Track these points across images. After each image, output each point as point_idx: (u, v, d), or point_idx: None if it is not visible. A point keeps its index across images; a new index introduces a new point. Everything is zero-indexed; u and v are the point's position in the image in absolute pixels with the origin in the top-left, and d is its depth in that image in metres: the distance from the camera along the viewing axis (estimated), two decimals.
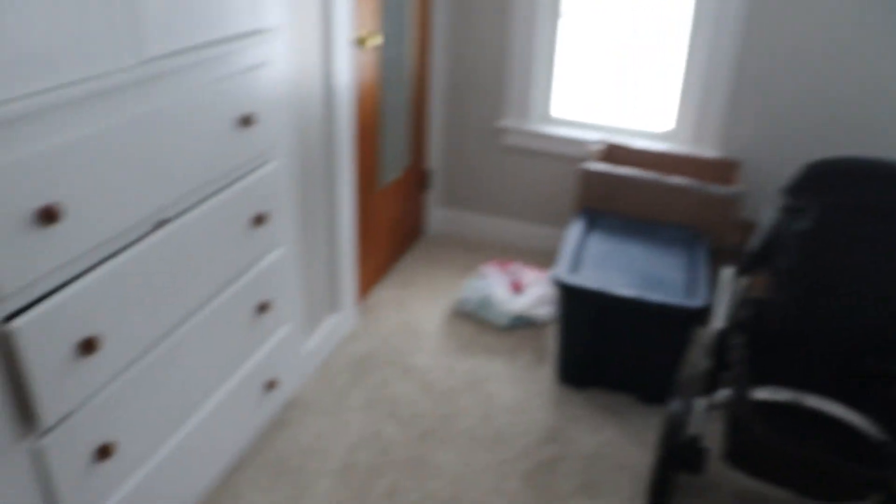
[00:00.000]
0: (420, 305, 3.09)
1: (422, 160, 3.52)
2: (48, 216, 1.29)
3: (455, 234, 3.74)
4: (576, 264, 2.56)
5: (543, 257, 3.52)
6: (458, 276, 3.32)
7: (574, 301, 2.49)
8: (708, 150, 3.15)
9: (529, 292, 2.98)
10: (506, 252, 3.56)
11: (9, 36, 1.18)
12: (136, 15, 1.43)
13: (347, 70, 2.45)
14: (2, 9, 1.15)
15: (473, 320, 2.98)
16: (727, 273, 2.30)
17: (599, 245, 2.70)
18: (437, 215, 3.74)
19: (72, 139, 1.33)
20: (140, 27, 1.44)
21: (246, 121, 1.82)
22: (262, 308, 2.07)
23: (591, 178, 2.90)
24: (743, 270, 2.23)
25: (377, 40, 2.63)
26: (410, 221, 3.52)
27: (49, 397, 1.37)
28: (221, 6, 1.67)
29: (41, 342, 1.33)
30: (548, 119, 3.45)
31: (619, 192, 2.87)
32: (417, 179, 3.51)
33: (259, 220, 1.95)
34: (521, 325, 2.94)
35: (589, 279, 2.46)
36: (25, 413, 1.37)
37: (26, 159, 1.24)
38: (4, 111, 1.18)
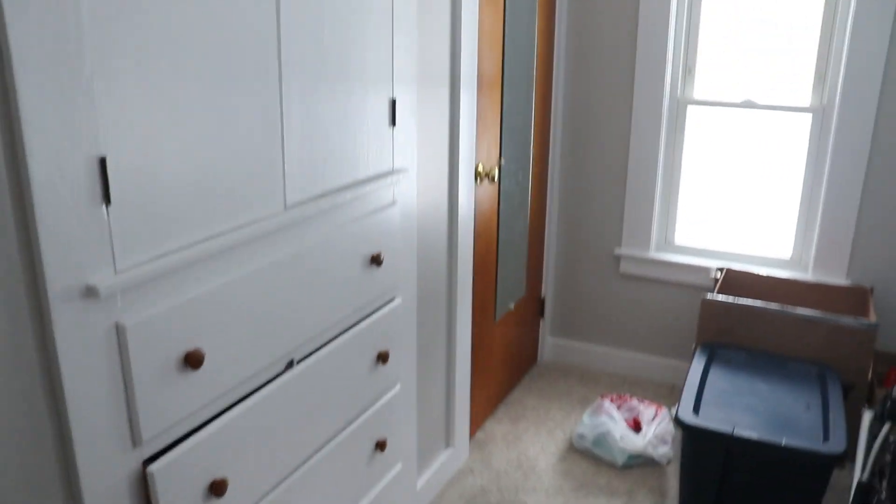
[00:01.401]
0: (533, 440, 3.01)
1: (537, 289, 3.51)
2: (192, 362, 1.34)
3: (568, 363, 3.67)
4: (698, 402, 2.45)
5: (662, 390, 3.40)
6: (572, 409, 3.23)
7: (697, 443, 2.37)
8: (834, 277, 3.02)
9: (648, 430, 2.86)
10: (622, 384, 3.46)
11: (171, 192, 1.26)
12: (281, 163, 1.51)
13: (469, 203, 2.51)
14: (167, 167, 1.25)
15: (589, 457, 2.88)
16: (867, 416, 2.15)
17: (723, 381, 2.58)
18: (550, 344, 3.69)
19: (218, 285, 1.39)
20: (285, 174, 1.53)
21: (375, 259, 1.86)
22: (380, 446, 2.06)
23: (712, 308, 2.82)
24: (890, 415, 2.07)
25: (495, 173, 2.69)
26: (524, 351, 3.49)
27: None
28: (358, 150, 1.75)
29: (175, 485, 1.35)
30: (666, 246, 3.41)
31: (743, 324, 2.77)
32: (532, 308, 3.49)
33: (382, 357, 1.97)
34: (640, 463, 2.81)
35: (713, 419, 2.35)
36: None
37: (178, 307, 1.31)
38: (165, 263, 1.25)
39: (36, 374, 1.15)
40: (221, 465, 1.46)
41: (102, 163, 1.14)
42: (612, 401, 3.04)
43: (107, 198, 1.15)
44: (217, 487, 1.43)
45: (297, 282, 1.61)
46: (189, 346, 1.34)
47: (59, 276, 1.11)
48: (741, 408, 2.42)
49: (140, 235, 1.23)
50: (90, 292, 1.15)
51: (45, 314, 1.12)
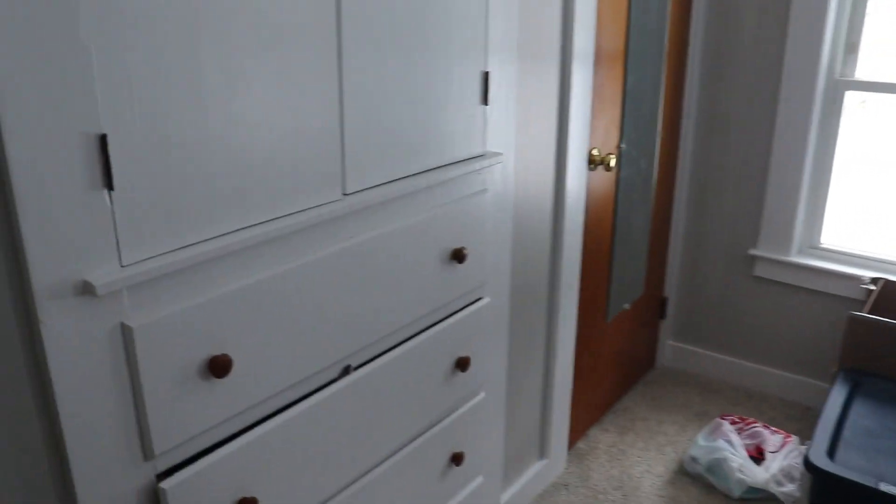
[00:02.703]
0: (640, 456, 2.72)
1: (658, 288, 3.19)
2: (216, 368, 1.16)
3: (688, 371, 3.33)
4: (835, 442, 2.09)
5: (793, 412, 3.01)
6: (687, 424, 2.91)
7: (830, 494, 2.01)
8: None
9: (772, 462, 2.51)
10: (747, 399, 3.09)
11: (194, 175, 1.08)
12: (339, 143, 1.31)
13: (579, 192, 2.23)
14: (188, 145, 1.07)
15: (700, 484, 2.56)
16: None
17: (868, 418, 2.20)
18: (670, 349, 3.36)
19: (253, 281, 1.20)
20: (344, 155, 1.32)
21: (457, 255, 1.64)
22: (456, 459, 1.85)
23: (860, 327, 2.42)
24: None
25: (613, 159, 2.40)
26: (639, 354, 3.18)
27: None
28: (439, 131, 1.52)
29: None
30: (811, 249, 2.99)
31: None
32: (652, 309, 3.18)
33: (462, 363, 1.75)
34: (759, 498, 2.47)
35: (852, 467, 1.98)
36: None
37: (201, 306, 1.13)
38: (185, 257, 1.08)
39: (24, 378, 1.01)
40: (253, 482, 1.29)
41: (102, 141, 0.96)
42: (732, 423, 2.70)
43: (108, 182, 0.98)
44: None
45: (357, 280, 1.40)
46: (213, 350, 1.16)
47: (47, 270, 0.95)
48: (890, 455, 2.04)
49: (154, 224, 1.05)
50: (87, 289, 0.99)
51: (32, 314, 0.97)
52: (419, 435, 1.71)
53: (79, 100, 0.93)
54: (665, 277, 3.24)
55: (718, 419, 2.73)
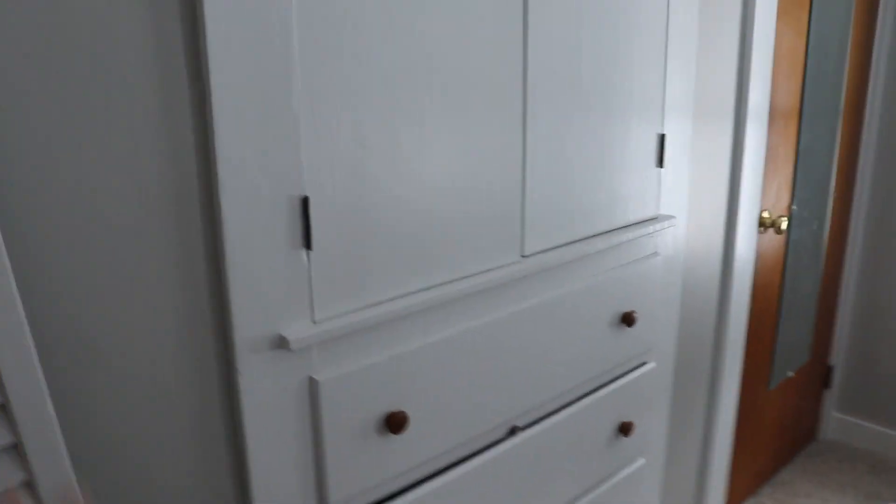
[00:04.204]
0: None
1: (824, 355, 3.00)
2: (393, 425, 1.18)
3: (857, 447, 3.10)
4: None
5: None
6: None
7: None
8: None
9: None
10: None
11: (383, 237, 1.11)
12: (520, 205, 1.32)
13: (748, 255, 2.14)
14: (380, 209, 1.10)
15: None
16: None
17: None
18: (835, 420, 3.14)
19: (432, 341, 1.22)
20: (524, 218, 1.33)
21: (627, 318, 1.60)
22: None
23: None
24: None
25: (784, 221, 2.29)
26: (801, 425, 2.99)
27: None
28: (615, 194, 1.51)
29: None
30: None
31: None
32: (816, 377, 2.99)
33: (624, 428, 1.70)
34: None
35: None
36: None
37: (382, 363, 1.15)
38: (371, 315, 1.11)
39: (220, 427, 1.05)
40: None
41: (304, 203, 1.01)
42: None
43: (307, 242, 1.02)
44: None
45: (529, 341, 1.40)
46: (391, 407, 1.18)
47: (249, 324, 0.99)
48: None
49: (344, 283, 1.09)
50: (282, 343, 1.03)
51: (232, 365, 1.01)
52: (578, 498, 1.67)
53: (287, 164, 0.98)
54: (832, 345, 3.05)
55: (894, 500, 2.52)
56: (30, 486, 0.81)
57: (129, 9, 0.85)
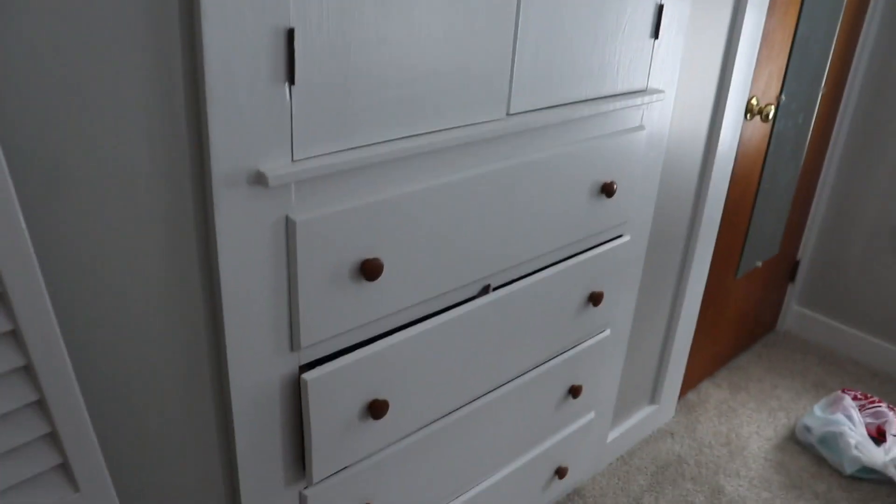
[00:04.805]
0: (750, 417, 2.66)
1: (792, 249, 3.07)
2: (368, 271, 1.19)
3: (811, 339, 3.21)
4: None
5: None
6: (803, 392, 2.83)
7: None
8: None
9: (893, 445, 2.41)
10: (871, 379, 2.96)
11: (369, 79, 1.10)
12: (510, 62, 1.29)
13: (732, 140, 2.14)
14: (367, 49, 1.08)
15: (811, 455, 2.49)
16: None
17: None
18: (795, 314, 3.24)
19: (411, 191, 1.22)
20: (513, 75, 1.31)
21: (606, 189, 1.61)
22: (574, 392, 1.86)
23: None
24: None
25: (771, 110, 2.28)
26: (762, 315, 3.08)
27: (323, 453, 1.28)
28: (606, 61, 1.48)
29: (330, 398, 1.24)
30: None
31: None
32: (782, 270, 3.06)
33: (594, 297, 1.74)
34: (871, 479, 2.38)
35: None
36: (298, 462, 1.31)
37: (361, 209, 1.16)
38: (353, 158, 1.10)
39: (194, 260, 1.06)
40: (386, 385, 1.33)
41: (290, 35, 0.98)
42: (855, 398, 2.60)
43: (290, 76, 1.00)
44: (376, 408, 1.31)
45: (509, 202, 1.40)
46: (367, 253, 1.20)
47: (227, 157, 0.99)
48: None
49: (327, 123, 1.07)
50: (259, 179, 1.02)
51: (209, 197, 1.01)
52: (544, 362, 1.73)
53: None
54: (801, 240, 3.10)
55: (840, 392, 2.63)
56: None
57: None
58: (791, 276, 3.17)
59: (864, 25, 2.71)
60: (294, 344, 1.18)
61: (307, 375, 1.20)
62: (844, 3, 2.47)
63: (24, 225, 0.79)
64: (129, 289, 1.01)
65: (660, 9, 1.56)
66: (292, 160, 1.06)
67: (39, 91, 0.84)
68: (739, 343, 3.00)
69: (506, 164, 1.36)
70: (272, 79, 0.99)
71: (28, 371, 0.87)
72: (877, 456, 2.36)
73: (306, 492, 1.33)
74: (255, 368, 1.15)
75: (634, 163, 1.68)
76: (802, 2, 2.24)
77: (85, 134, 0.89)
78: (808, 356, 3.08)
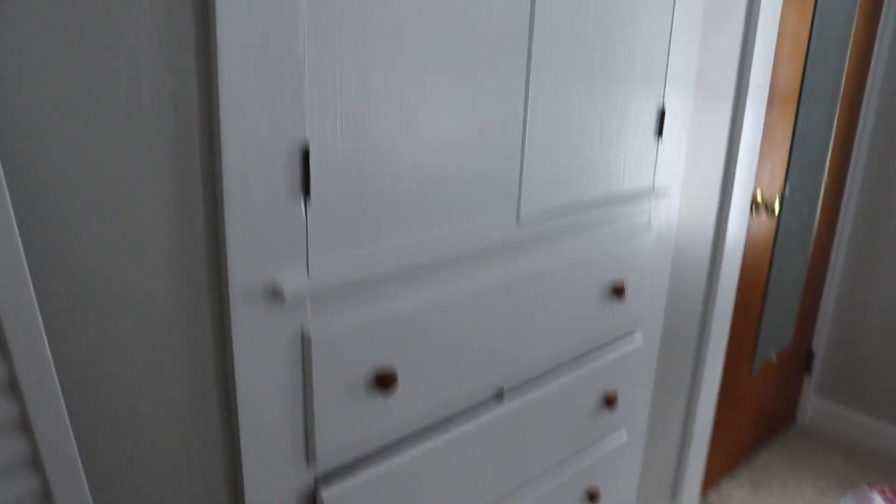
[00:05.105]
0: None
1: (806, 340, 3.03)
2: (383, 383, 1.17)
3: (832, 431, 3.13)
4: None
5: None
6: (827, 489, 2.74)
7: None
8: None
9: None
10: None
11: (381, 190, 1.10)
12: (518, 167, 1.31)
13: (739, 235, 2.15)
14: (379, 161, 1.09)
15: None
16: None
17: None
18: (814, 405, 3.18)
19: (424, 301, 1.21)
20: (522, 181, 1.32)
21: (617, 289, 1.60)
22: (592, 496, 1.81)
23: None
24: None
25: (777, 203, 2.29)
26: (780, 408, 3.02)
27: None
28: (612, 163, 1.50)
29: None
30: None
31: None
32: (797, 361, 3.02)
33: (609, 399, 1.71)
34: None
35: None
36: None
37: (376, 321, 1.15)
38: (367, 269, 1.10)
39: (211, 374, 1.05)
40: (405, 498, 1.29)
41: (305, 151, 0.99)
42: (883, 493, 2.52)
43: (306, 191, 1.01)
44: None
45: (518, 307, 1.40)
46: (382, 364, 1.18)
47: (244, 274, 0.99)
48: None
49: (341, 233, 1.08)
50: (276, 294, 1.02)
51: (226, 314, 1.01)
52: (560, 464, 1.68)
53: (290, 111, 0.97)
54: (815, 330, 3.07)
55: (867, 487, 2.55)
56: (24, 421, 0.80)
57: None
58: (807, 366, 3.12)
59: (862, 115, 2.76)
60: (310, 455, 1.16)
61: (325, 493, 1.16)
62: (841, 95, 2.52)
63: (45, 339, 0.78)
64: (145, 402, 0.99)
65: (662, 110, 1.59)
66: (308, 273, 1.06)
67: (63, 218, 0.84)
68: (759, 438, 2.93)
69: (517, 270, 1.36)
70: (288, 194, 1.00)
71: (47, 498, 0.84)
72: None
73: None
74: (271, 481, 1.12)
75: (643, 261, 1.68)
76: (800, 95, 2.29)
77: (107, 257, 0.89)
78: (831, 450, 3.00)
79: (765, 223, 2.36)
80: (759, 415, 2.84)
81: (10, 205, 0.75)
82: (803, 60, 2.26)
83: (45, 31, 0.78)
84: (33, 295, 0.78)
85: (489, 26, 1.17)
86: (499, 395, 1.45)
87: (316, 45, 0.97)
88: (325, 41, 0.98)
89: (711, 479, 2.65)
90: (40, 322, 0.79)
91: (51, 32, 0.79)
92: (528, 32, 1.24)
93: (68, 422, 0.85)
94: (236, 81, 0.90)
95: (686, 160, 1.82)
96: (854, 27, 2.48)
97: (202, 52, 0.91)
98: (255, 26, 0.90)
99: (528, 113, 1.28)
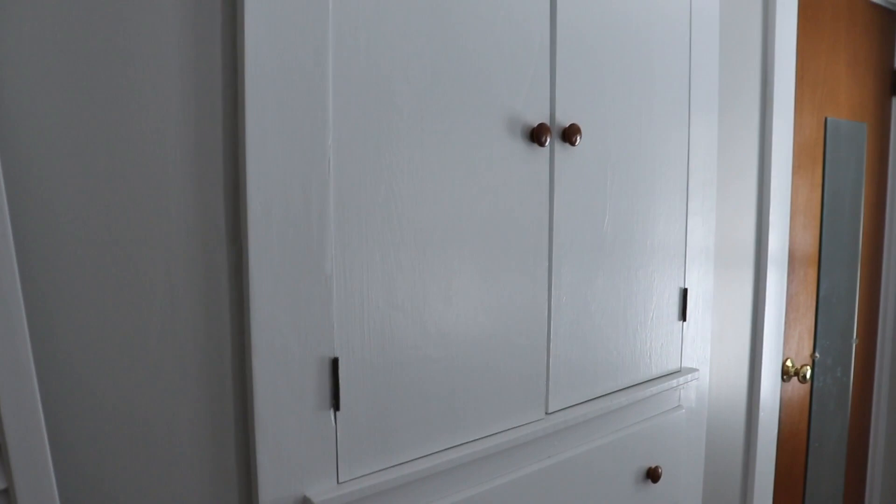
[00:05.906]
0: None
1: None
2: None
3: None
4: None
5: None
6: None
7: None
8: None
9: None
10: None
11: (411, 397, 1.11)
12: (545, 361, 1.31)
13: (773, 406, 2.11)
14: (407, 369, 1.10)
15: None
16: None
17: None
18: None
19: (455, 501, 1.20)
20: (549, 374, 1.33)
21: (652, 474, 1.57)
22: None
23: None
24: None
25: (808, 370, 2.26)
26: None
27: None
28: (637, 348, 1.51)
29: None
30: None
31: None
32: None
33: None
34: None
35: None
36: None
37: None
38: (397, 476, 1.09)
39: None
40: None
41: (334, 364, 1.02)
42: None
43: (335, 403, 1.03)
44: None
45: (554, 498, 1.36)
46: None
47: (274, 486, 0.99)
48: None
49: (369, 444, 1.08)
50: None
51: None
52: None
53: (319, 325, 1.00)
54: (865, 495, 2.94)
55: None
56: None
57: (178, 202, 0.89)
58: None
59: (883, 275, 2.77)
60: None
61: None
62: (860, 258, 2.54)
63: None
64: None
65: (684, 292, 1.61)
66: (337, 482, 1.05)
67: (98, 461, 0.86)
68: None
69: (547, 462, 1.34)
70: (318, 406, 1.01)
71: None
72: None
73: None
74: None
75: (677, 443, 1.64)
76: (820, 261, 2.31)
77: (136, 479, 0.90)
78: None
79: (798, 390, 2.32)
80: None
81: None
82: (819, 227, 2.30)
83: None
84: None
85: (509, 226, 1.22)
86: None
87: (343, 259, 1.01)
88: (352, 254, 1.02)
89: None
90: None
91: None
92: (549, 230, 1.29)
93: None
94: (267, 299, 0.94)
95: (712, 335, 1.82)
96: (864, 191, 2.53)
97: (234, 270, 0.95)
98: (286, 248, 0.95)
99: (552, 307, 1.31)
